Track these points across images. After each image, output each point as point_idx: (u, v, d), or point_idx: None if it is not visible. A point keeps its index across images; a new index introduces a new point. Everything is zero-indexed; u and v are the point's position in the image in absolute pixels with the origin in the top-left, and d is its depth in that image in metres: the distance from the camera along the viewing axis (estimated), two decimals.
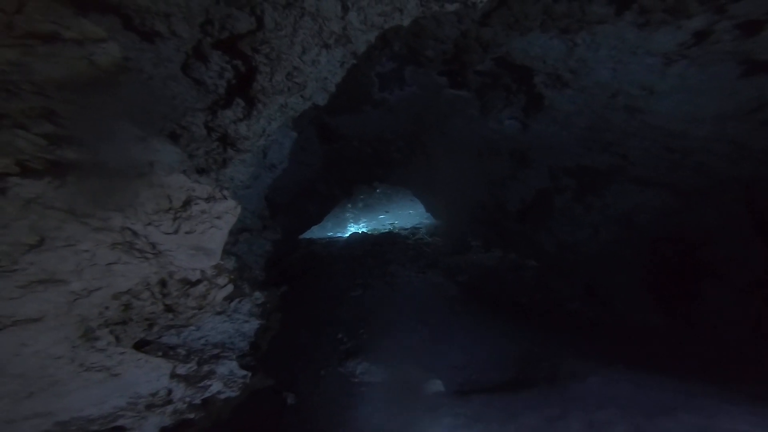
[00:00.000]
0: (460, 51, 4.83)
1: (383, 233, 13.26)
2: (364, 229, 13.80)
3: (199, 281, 2.26)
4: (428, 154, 8.08)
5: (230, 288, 2.48)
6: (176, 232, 2.11)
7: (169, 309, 2.21)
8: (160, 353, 2.45)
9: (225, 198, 2.35)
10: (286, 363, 5.11)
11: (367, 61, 5.26)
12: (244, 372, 3.40)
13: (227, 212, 2.33)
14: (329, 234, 12.84)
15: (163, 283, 2.09)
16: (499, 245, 8.61)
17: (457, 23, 4.40)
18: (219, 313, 3.11)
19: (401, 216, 13.98)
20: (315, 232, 12.13)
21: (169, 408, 2.71)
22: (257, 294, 3.59)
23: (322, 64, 3.67)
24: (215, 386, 2.95)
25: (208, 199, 2.27)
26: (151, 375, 2.37)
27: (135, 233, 1.95)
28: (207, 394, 2.95)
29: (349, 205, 12.62)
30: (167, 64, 2.75)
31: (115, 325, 2.06)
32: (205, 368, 2.91)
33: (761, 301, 5.12)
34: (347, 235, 13.24)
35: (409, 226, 13.49)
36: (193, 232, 2.14)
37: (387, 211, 13.87)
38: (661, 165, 5.28)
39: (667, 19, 3.49)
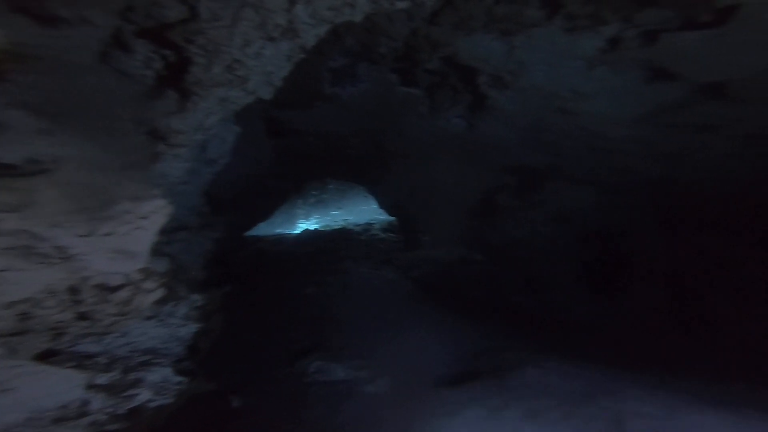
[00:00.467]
0: (410, 49, 4.89)
1: (336, 229, 13.14)
2: (316, 226, 13.57)
3: (121, 286, 2.08)
4: (382, 150, 8.11)
5: (161, 292, 2.32)
6: (91, 234, 1.92)
7: (83, 317, 2.01)
8: (72, 363, 2.23)
9: (153, 197, 2.17)
10: (231, 365, 4.91)
11: (318, 55, 5.15)
12: (179, 378, 3.21)
13: (155, 212, 2.15)
14: (278, 231, 12.49)
15: (73, 290, 1.90)
16: (449, 241, 8.84)
17: (407, 21, 4.44)
18: (149, 318, 2.90)
19: (355, 212, 13.93)
20: (263, 229, 11.75)
21: (85, 420, 2.49)
22: (195, 296, 3.40)
23: (267, 57, 3.53)
24: (144, 395, 2.75)
25: (133, 198, 2.09)
26: (57, 387, 2.16)
27: (35, 236, 1.74)
28: (134, 404, 2.74)
29: (300, 201, 12.34)
30: (81, 53, 2.49)
31: (9, 336, 1.84)
32: (131, 377, 2.71)
33: (671, 292, 5.70)
34: (298, 231, 12.95)
35: (362, 222, 13.47)
36: (113, 234, 1.96)
37: (340, 208, 13.73)
38: (588, 164, 5.69)
39: (589, 25, 3.75)
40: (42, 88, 2.22)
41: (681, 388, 3.47)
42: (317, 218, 13.83)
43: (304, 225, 13.53)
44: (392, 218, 10.57)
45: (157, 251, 2.91)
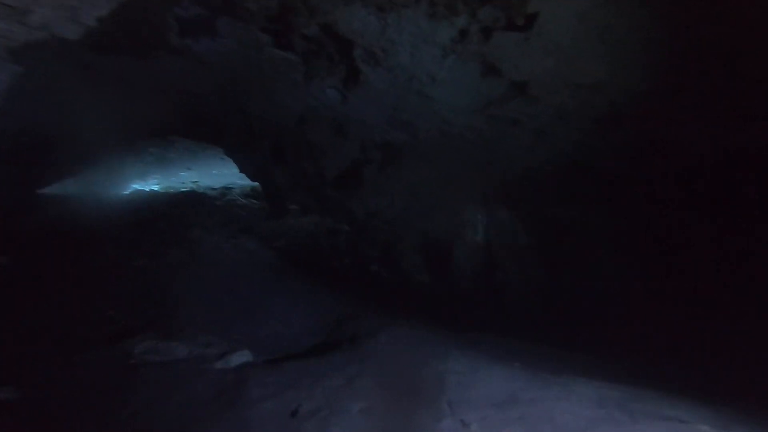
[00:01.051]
0: (285, 10, 4.44)
1: (183, 192, 11.66)
2: (156, 188, 11.73)
3: None
4: (247, 114, 7.36)
5: None
6: None
7: None
8: None
9: None
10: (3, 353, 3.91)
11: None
12: None
13: None
14: (101, 191, 10.27)
15: None
16: (317, 211, 8.74)
17: None
18: None
19: (208, 174, 12.49)
20: (81, 188, 9.58)
21: None
22: None
23: None
24: None
25: None
26: None
27: None
28: None
29: (133, 159, 10.30)
30: None
31: None
32: None
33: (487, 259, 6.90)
34: (127, 192, 10.96)
35: (218, 186, 12.25)
36: None
37: (189, 168, 12.09)
38: (436, 146, 6.27)
39: (446, 14, 3.97)
40: None
41: (483, 349, 4.26)
42: (159, 179, 11.88)
43: (139, 186, 11.48)
44: (254, 184, 9.83)
45: None
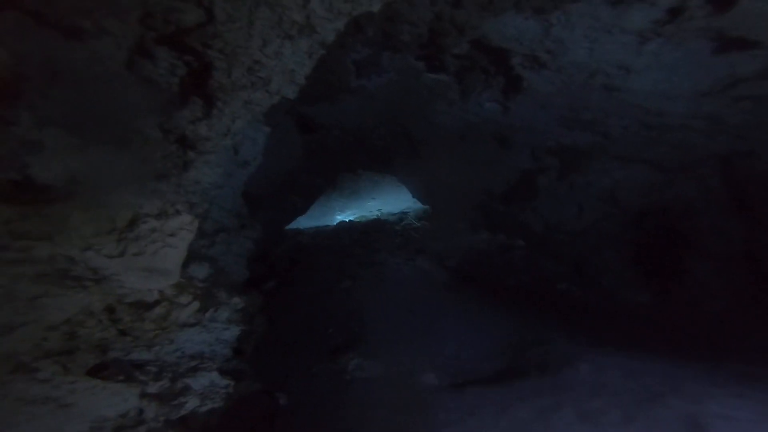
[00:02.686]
0: (435, 34, 4.65)
1: (371, 220, 13.10)
2: (352, 218, 13.62)
3: (156, 302, 2.08)
4: (411, 139, 7.91)
5: (196, 305, 2.31)
6: (122, 254, 1.91)
7: (124, 333, 2.03)
8: (122, 377, 2.29)
9: (179, 213, 2.14)
10: (276, 363, 4.99)
11: (340, 48, 5.04)
12: (226, 381, 3.26)
13: (182, 228, 2.13)
14: (316, 225, 12.64)
15: (111, 309, 1.91)
16: (487, 227, 8.52)
17: (429, 5, 4.20)
18: (193, 325, 2.95)
19: (388, 202, 13.80)
20: (302, 223, 11.92)
21: (142, 428, 2.57)
22: (236, 300, 3.42)
23: (287, 56, 3.44)
24: (191, 402, 2.80)
25: (159, 215, 2.07)
26: (112, 400, 2.22)
27: (71, 259, 1.75)
28: (183, 412, 2.80)
29: (335, 194, 12.38)
30: (106, 62, 2.49)
31: (59, 356, 1.88)
32: (179, 384, 2.76)
33: (739, 273, 5.14)
34: (334, 224, 13.03)
35: (396, 211, 13.33)
36: (143, 253, 1.95)
37: (374, 198, 13.66)
38: (640, 142, 5.21)
39: None
40: (71, 102, 2.22)
41: (762, 387, 3.07)
42: (353, 210, 13.85)
43: (341, 217, 13.59)
44: (425, 206, 10.35)
45: (201, 255, 2.92)
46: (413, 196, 9.77)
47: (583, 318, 5.83)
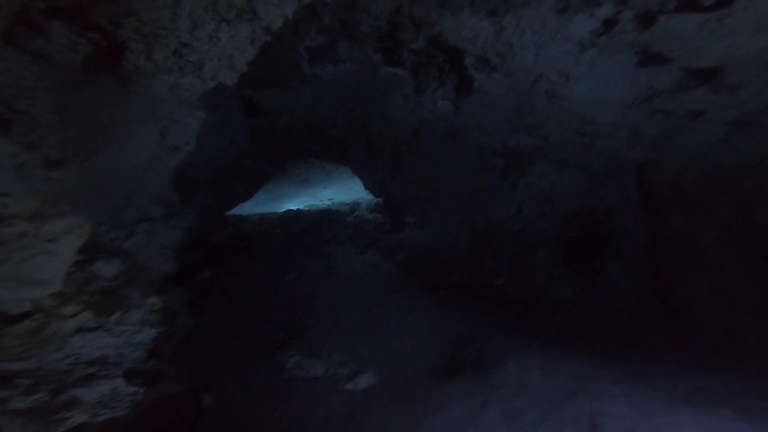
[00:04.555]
0: (393, 28, 4.61)
1: (321, 210, 12.88)
2: (301, 206, 13.30)
3: (25, 315, 1.80)
4: (367, 132, 7.81)
5: (86, 316, 2.06)
6: None
7: None
8: None
9: (63, 215, 1.86)
10: (206, 361, 4.74)
11: (293, 34, 4.82)
12: (134, 388, 3.01)
13: (68, 232, 1.86)
14: (262, 211, 12.19)
15: None
16: (435, 222, 8.67)
17: None
18: (93, 329, 2.66)
19: (342, 191, 13.63)
20: (248, 210, 11.43)
21: None
22: (152, 300, 3.16)
23: (224, 41, 3.18)
24: (78, 417, 2.52)
25: (33, 217, 1.79)
26: None
27: None
28: (64, 428, 2.51)
29: (285, 181, 11.99)
30: None
31: None
32: (63, 397, 2.46)
33: (643, 272, 5.67)
34: (282, 211, 12.66)
35: (348, 201, 13.20)
36: (7, 261, 1.68)
37: (326, 187, 13.41)
38: (574, 148, 5.55)
39: (582, 6, 3.49)
40: None
41: (658, 384, 3.41)
42: (304, 198, 13.52)
43: (290, 205, 13.23)
44: (377, 198, 10.33)
45: (116, 247, 2.65)
46: (365, 188, 9.71)
47: (516, 314, 6.16)
